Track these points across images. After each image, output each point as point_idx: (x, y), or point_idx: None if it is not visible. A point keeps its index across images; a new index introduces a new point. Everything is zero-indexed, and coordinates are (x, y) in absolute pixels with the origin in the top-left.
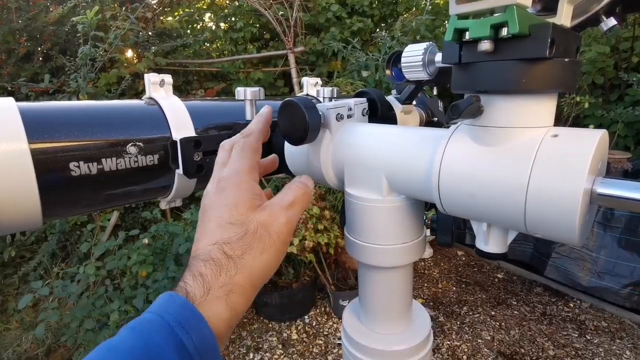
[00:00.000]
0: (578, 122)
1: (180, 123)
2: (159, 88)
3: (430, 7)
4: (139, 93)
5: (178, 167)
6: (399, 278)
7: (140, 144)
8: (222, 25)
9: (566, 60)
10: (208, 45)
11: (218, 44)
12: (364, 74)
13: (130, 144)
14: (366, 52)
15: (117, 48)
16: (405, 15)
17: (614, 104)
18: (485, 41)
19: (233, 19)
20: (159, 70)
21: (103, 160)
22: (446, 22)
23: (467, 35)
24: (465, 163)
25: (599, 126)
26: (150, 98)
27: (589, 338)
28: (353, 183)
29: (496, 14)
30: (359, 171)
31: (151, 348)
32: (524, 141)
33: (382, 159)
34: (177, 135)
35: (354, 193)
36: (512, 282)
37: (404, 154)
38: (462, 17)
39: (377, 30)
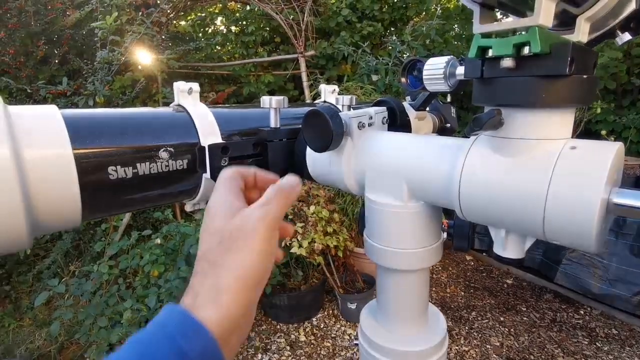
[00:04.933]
0: (590, 127)
1: (208, 129)
2: (187, 96)
3: (440, 11)
4: (152, 95)
5: (205, 172)
6: (417, 281)
7: (171, 149)
8: (234, 28)
9: (584, 76)
10: (219, 48)
11: (229, 47)
12: (374, 77)
13: (162, 150)
14: (376, 56)
15: (132, 52)
16: (415, 20)
17: (626, 109)
18: (508, 59)
19: (244, 22)
20: (172, 74)
21: (138, 164)
22: (456, 26)
23: (490, 53)
24: (486, 172)
25: (611, 132)
26: (179, 105)
27: (599, 345)
28: (374, 189)
29: (518, 34)
30: (381, 178)
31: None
32: (543, 152)
33: (403, 166)
34: (205, 141)
35: (375, 199)
36: (522, 288)
37: (425, 162)
38: (485, 35)
39: (387, 34)
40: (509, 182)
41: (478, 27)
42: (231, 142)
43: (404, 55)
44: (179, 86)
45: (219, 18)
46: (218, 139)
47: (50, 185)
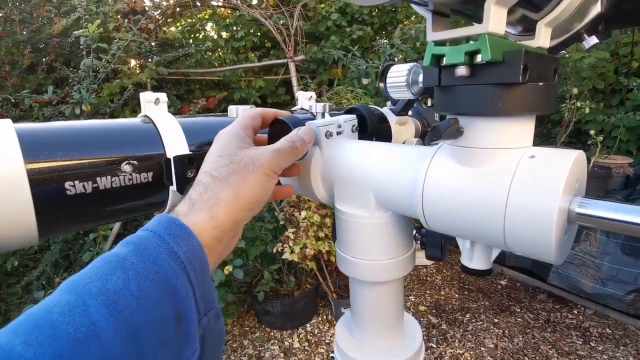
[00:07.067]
0: (579, 127)
1: (174, 141)
2: (154, 106)
3: None
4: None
5: (172, 184)
6: (389, 292)
7: (135, 162)
8: (224, 34)
9: (541, 84)
10: (210, 54)
11: (220, 53)
12: (364, 81)
13: (124, 162)
14: (366, 59)
15: (119, 59)
16: (405, 23)
17: (615, 108)
18: (462, 67)
19: (234, 28)
20: (162, 80)
21: (98, 178)
22: None
23: (445, 61)
24: (447, 182)
25: (600, 131)
26: (146, 116)
27: (593, 345)
28: (342, 199)
29: (472, 42)
30: (348, 188)
31: (148, 256)
32: (503, 162)
33: (369, 176)
34: (170, 153)
35: (343, 209)
36: (516, 289)
37: (389, 172)
38: (439, 43)
39: (377, 38)
40: (470, 193)
41: (431, 35)
42: (199, 152)
43: (395, 58)
44: (146, 97)
45: (209, 24)
46: (185, 150)
47: (1, 202)
